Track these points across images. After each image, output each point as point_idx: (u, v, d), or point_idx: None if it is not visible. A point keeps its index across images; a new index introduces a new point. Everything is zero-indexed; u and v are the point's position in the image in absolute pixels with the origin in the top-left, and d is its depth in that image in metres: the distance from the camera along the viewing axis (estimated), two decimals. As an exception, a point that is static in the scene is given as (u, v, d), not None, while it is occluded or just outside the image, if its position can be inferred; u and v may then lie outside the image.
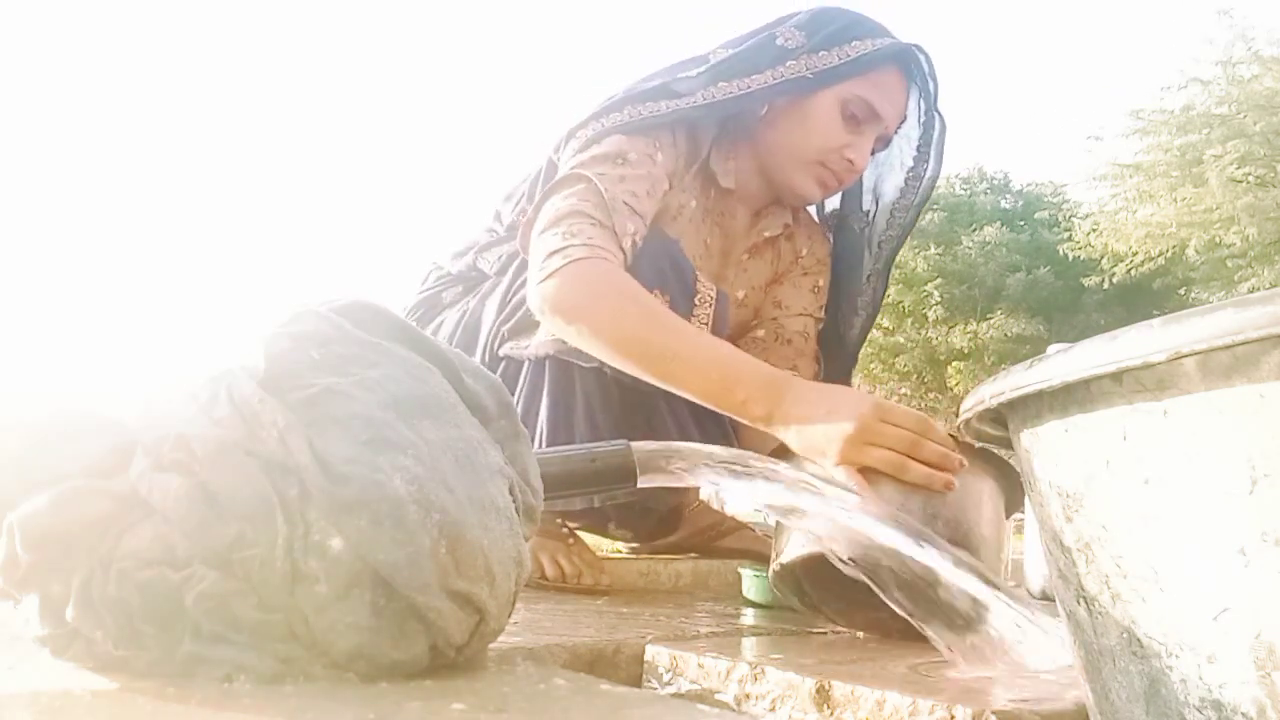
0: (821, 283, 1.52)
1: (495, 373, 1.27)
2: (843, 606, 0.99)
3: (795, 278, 1.52)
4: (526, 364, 1.30)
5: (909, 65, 1.37)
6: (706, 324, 1.26)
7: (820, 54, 1.32)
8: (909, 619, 0.84)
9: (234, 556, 0.61)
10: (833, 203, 1.56)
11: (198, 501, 0.62)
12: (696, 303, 1.26)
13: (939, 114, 1.41)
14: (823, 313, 1.52)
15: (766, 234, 1.47)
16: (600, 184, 1.22)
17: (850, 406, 0.99)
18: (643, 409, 1.26)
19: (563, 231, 1.19)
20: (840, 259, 1.53)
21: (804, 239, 1.53)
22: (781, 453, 1.05)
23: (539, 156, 1.42)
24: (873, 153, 1.40)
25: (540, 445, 1.26)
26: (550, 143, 1.38)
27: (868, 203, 1.51)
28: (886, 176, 1.48)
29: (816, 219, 1.58)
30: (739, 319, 1.47)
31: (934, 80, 1.38)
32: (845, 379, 1.53)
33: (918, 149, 1.43)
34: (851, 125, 1.34)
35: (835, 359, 1.52)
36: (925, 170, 1.43)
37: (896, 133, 1.41)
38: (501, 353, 1.31)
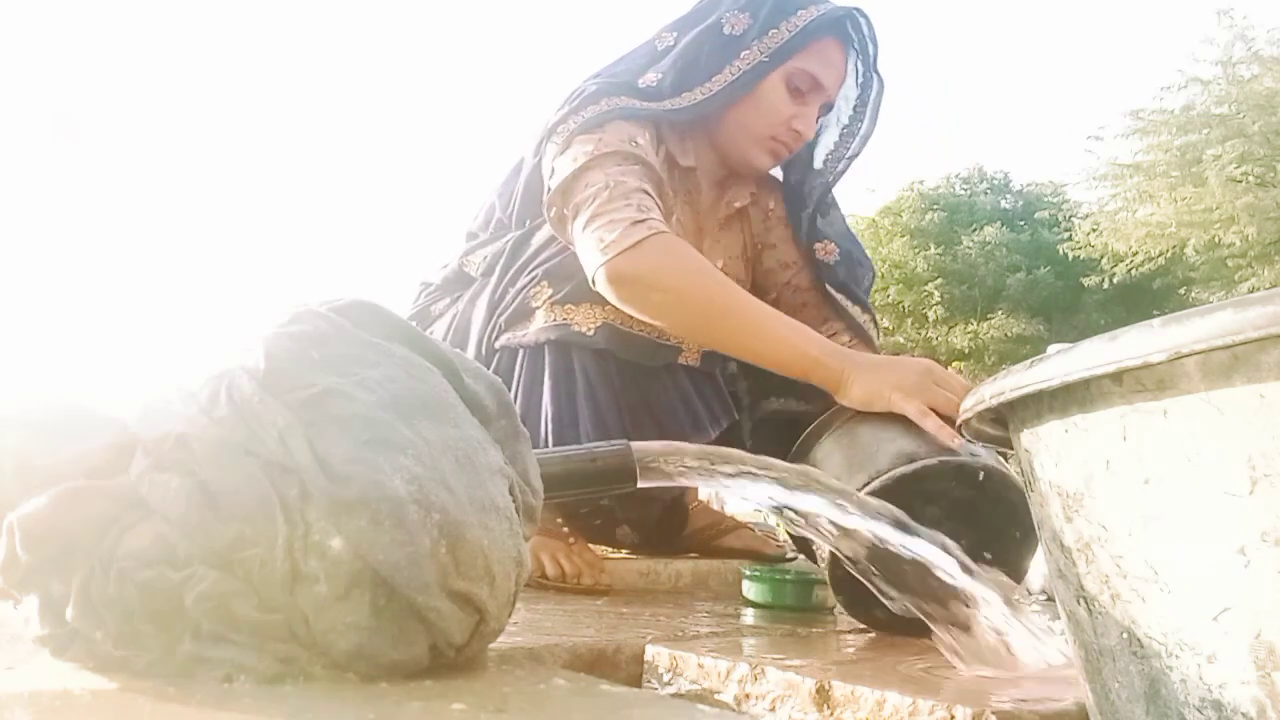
0: None
1: (490, 366, 1.29)
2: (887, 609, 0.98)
3: (779, 231, 1.54)
4: (522, 352, 1.31)
5: (846, 30, 1.40)
6: None
7: (770, 33, 1.35)
8: (920, 616, 0.84)
9: (234, 556, 0.61)
10: None
11: (198, 501, 0.62)
12: None
13: (878, 75, 1.45)
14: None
15: (736, 204, 1.51)
16: (653, 169, 1.27)
17: (915, 361, 1.14)
18: (641, 384, 1.28)
19: (637, 204, 1.22)
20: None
21: (767, 196, 1.56)
22: (830, 421, 1.13)
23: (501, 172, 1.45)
24: (818, 118, 1.44)
25: (546, 428, 1.27)
26: (529, 146, 1.40)
27: (806, 157, 1.55)
28: (823, 133, 1.52)
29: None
30: None
31: (874, 43, 1.42)
32: None
33: (854, 108, 1.48)
34: (797, 97, 1.39)
35: None
36: (860, 129, 1.49)
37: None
38: (498, 344, 1.32)
